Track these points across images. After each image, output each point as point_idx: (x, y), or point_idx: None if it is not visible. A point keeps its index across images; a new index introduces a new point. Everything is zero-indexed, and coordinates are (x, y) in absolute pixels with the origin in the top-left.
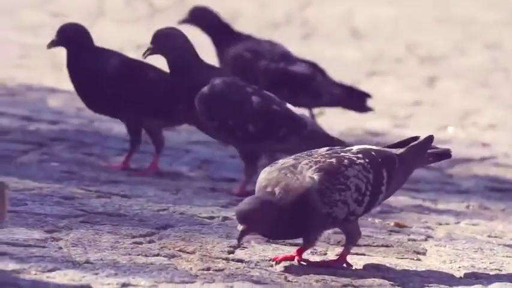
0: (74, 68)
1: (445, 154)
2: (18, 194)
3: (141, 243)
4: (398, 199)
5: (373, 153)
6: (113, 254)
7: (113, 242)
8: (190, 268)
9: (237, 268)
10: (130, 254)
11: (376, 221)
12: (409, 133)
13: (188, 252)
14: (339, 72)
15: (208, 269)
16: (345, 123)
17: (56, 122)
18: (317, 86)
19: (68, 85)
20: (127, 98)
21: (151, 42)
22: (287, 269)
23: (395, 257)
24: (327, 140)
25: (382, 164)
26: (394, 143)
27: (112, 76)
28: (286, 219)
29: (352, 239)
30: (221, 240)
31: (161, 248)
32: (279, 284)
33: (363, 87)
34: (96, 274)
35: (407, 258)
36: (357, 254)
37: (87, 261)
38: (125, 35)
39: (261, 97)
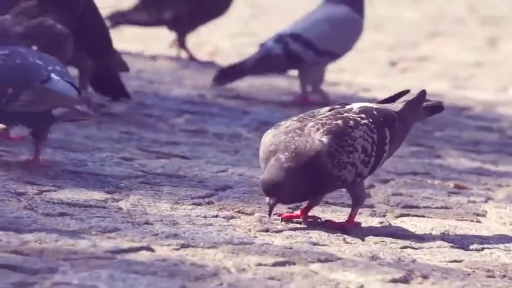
0: None
1: (438, 107)
2: (78, 155)
3: (200, 204)
4: (458, 161)
5: (374, 112)
6: (172, 215)
7: (173, 203)
8: (249, 229)
9: (295, 229)
10: (189, 215)
11: (436, 182)
12: (469, 94)
13: (247, 214)
14: (398, 33)
15: (266, 230)
16: (404, 84)
17: None
18: None
19: (127, 46)
20: None
21: None
22: (345, 231)
23: (454, 219)
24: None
25: (384, 123)
26: (384, 98)
27: None
28: (297, 183)
29: (358, 201)
30: None
31: (220, 209)
32: (337, 245)
33: (423, 48)
34: (156, 235)
35: (467, 220)
36: (416, 215)
37: (147, 222)
38: None
39: None
